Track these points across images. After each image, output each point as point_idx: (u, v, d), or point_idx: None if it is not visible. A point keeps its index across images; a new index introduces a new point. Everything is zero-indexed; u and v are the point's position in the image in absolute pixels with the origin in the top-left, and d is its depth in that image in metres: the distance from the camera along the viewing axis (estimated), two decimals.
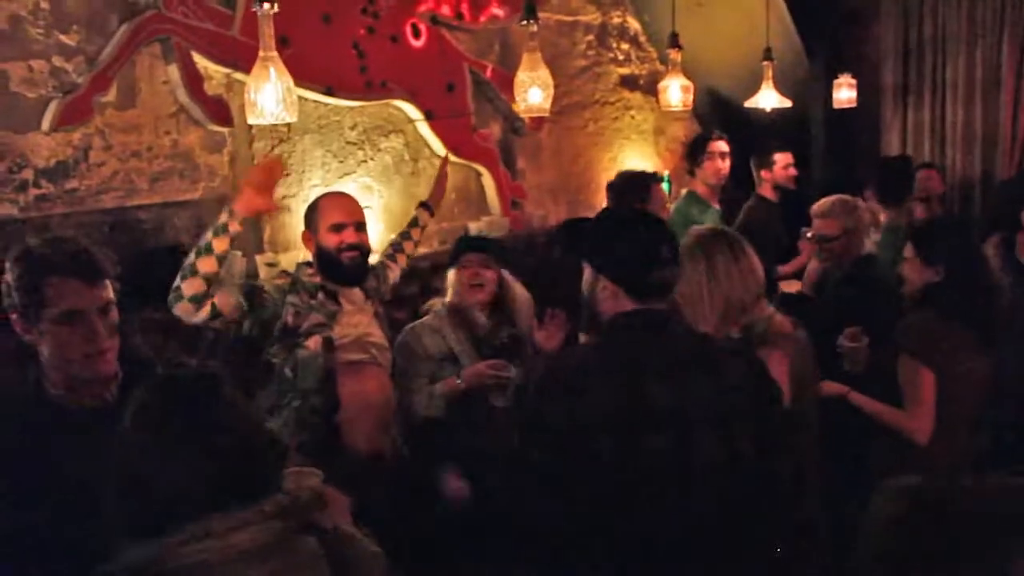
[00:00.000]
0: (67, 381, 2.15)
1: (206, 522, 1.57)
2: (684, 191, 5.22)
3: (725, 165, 5.50)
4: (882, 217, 4.97)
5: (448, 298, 3.79)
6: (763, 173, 5.73)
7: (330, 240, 3.40)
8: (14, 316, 2.14)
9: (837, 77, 6.17)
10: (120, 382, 2.20)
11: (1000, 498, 1.62)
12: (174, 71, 3.82)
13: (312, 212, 3.51)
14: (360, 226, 3.46)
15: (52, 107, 3.47)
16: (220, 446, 1.61)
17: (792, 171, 5.67)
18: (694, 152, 5.55)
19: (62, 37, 3.53)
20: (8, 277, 2.14)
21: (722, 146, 5.51)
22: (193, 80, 3.87)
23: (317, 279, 3.44)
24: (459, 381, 3.57)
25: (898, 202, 5.04)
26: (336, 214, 3.43)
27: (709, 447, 2.10)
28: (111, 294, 2.19)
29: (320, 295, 3.40)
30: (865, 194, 5.03)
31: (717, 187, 5.53)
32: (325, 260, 3.42)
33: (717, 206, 5.51)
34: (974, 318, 3.18)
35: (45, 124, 3.47)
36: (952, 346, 3.15)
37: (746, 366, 2.25)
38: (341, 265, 3.40)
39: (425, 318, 3.85)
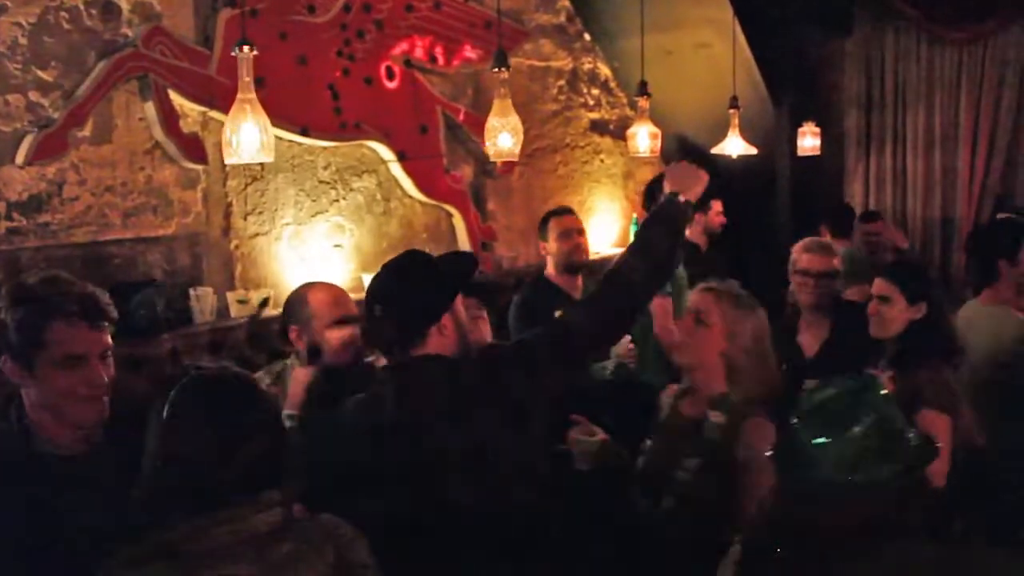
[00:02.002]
0: (56, 425, 2.06)
1: (234, 506, 1.70)
2: None
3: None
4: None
5: None
6: (697, 216, 5.81)
7: (332, 339, 2.88)
8: (5, 357, 2.04)
9: (801, 125, 6.30)
10: (106, 424, 2.10)
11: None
12: (150, 108, 3.86)
13: (302, 305, 2.93)
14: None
15: (27, 141, 3.50)
16: (254, 435, 1.75)
17: (722, 218, 5.74)
18: (654, 196, 5.56)
19: (39, 72, 3.57)
20: (4, 317, 2.04)
21: None
22: (169, 117, 3.92)
23: None
24: None
25: (847, 234, 5.96)
26: (333, 309, 2.92)
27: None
28: (110, 339, 2.11)
29: None
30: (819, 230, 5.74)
31: None
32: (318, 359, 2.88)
33: None
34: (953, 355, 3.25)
35: (20, 158, 3.50)
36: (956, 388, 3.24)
37: None
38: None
39: None
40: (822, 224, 6.00)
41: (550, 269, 4.29)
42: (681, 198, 2.62)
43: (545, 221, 4.33)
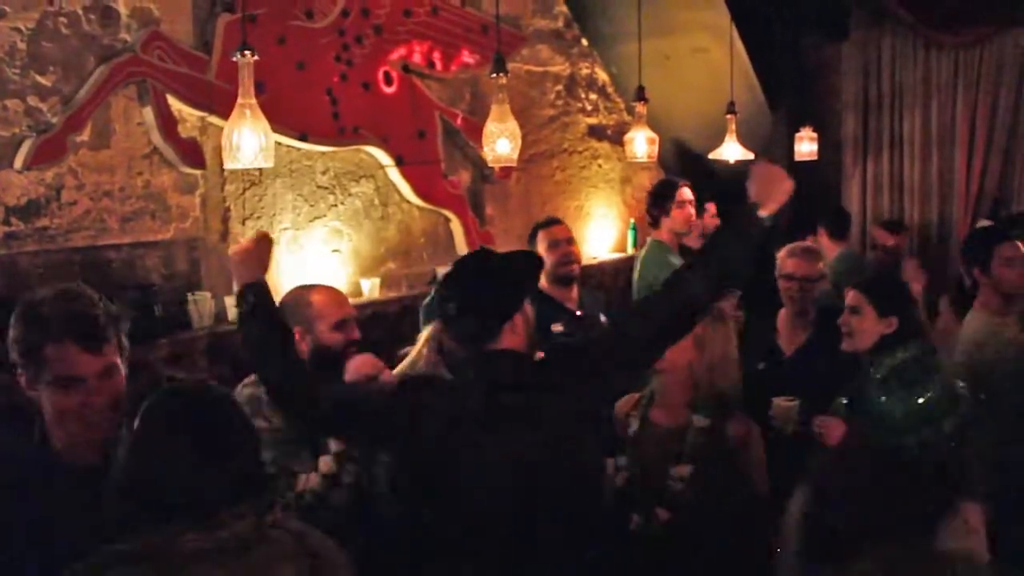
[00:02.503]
0: (68, 438, 2.05)
1: (203, 517, 1.70)
2: (650, 240, 5.25)
3: (693, 212, 5.60)
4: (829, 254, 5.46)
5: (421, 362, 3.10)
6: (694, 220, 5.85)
7: (335, 340, 2.91)
8: (18, 372, 2.04)
9: (799, 130, 6.32)
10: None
11: None
12: (149, 113, 3.87)
13: (305, 307, 2.93)
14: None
15: (26, 146, 3.51)
16: (225, 448, 1.75)
17: (718, 220, 5.80)
18: (662, 200, 5.53)
19: (38, 77, 3.57)
20: (11, 333, 2.04)
21: (688, 193, 5.61)
22: (167, 123, 3.92)
23: None
24: None
25: (845, 237, 6.07)
26: (336, 310, 2.95)
27: None
28: (115, 356, 2.07)
29: None
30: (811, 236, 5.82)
31: (681, 235, 5.59)
32: (324, 359, 2.90)
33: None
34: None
35: (18, 162, 3.50)
36: None
37: None
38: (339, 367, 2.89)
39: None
40: (820, 227, 6.03)
41: (542, 281, 4.25)
42: (763, 211, 2.47)
43: (533, 234, 4.30)
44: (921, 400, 2.88)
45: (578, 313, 4.13)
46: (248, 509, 1.73)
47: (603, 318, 4.23)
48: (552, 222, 4.36)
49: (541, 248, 4.17)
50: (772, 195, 2.52)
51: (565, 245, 4.20)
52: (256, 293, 2.52)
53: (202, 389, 1.90)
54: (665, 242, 5.29)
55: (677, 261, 5.14)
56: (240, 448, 1.79)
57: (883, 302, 3.18)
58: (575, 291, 4.22)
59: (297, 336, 2.84)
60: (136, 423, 1.78)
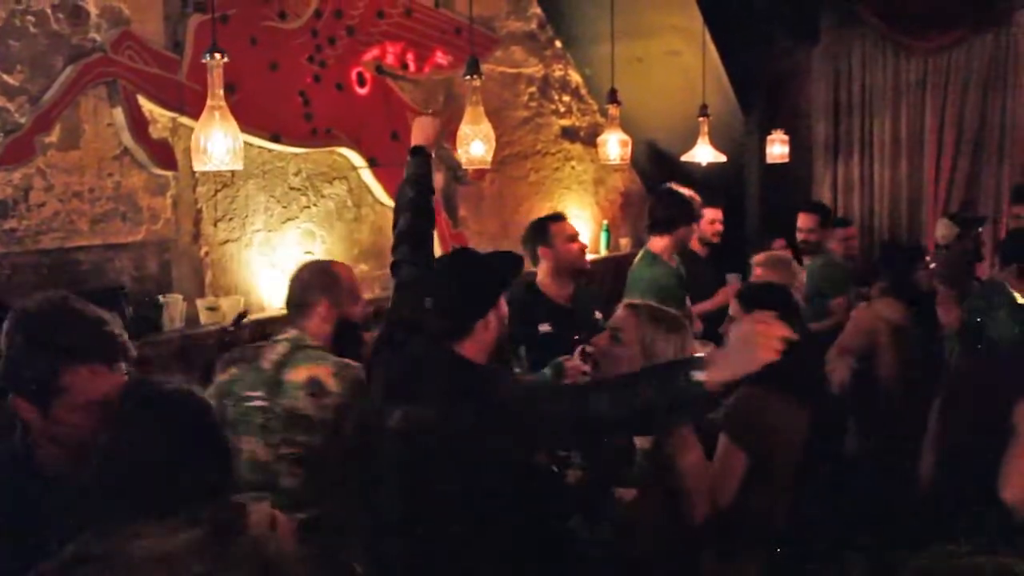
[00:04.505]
0: (66, 452, 1.93)
1: (155, 522, 1.68)
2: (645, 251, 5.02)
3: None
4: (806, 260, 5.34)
5: None
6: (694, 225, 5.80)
7: (357, 314, 3.10)
8: (14, 397, 1.89)
9: (770, 133, 6.36)
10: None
11: None
12: (119, 114, 3.83)
13: (336, 280, 3.06)
14: None
15: None
16: (198, 454, 1.75)
17: (718, 226, 5.69)
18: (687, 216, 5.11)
19: (5, 76, 3.53)
20: (11, 352, 1.90)
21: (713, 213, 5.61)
22: (138, 123, 3.89)
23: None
24: None
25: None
26: (359, 286, 3.16)
27: None
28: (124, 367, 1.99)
29: None
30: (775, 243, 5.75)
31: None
32: (347, 331, 3.05)
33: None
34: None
35: None
36: None
37: None
38: (360, 341, 3.10)
39: None
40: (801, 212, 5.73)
41: (543, 276, 4.23)
42: (709, 376, 1.98)
43: (544, 227, 4.24)
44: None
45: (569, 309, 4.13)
46: (199, 517, 1.71)
47: (598, 314, 4.22)
48: (561, 217, 4.32)
49: (557, 241, 4.15)
50: (737, 361, 2.01)
51: (579, 240, 4.24)
52: (422, 160, 3.16)
53: (179, 395, 1.85)
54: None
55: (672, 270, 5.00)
56: (207, 455, 1.78)
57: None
58: (570, 288, 4.20)
59: (323, 309, 2.95)
60: (114, 422, 1.77)
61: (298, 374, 2.79)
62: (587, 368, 3.03)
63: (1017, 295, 4.20)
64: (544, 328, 3.99)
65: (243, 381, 2.83)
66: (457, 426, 2.28)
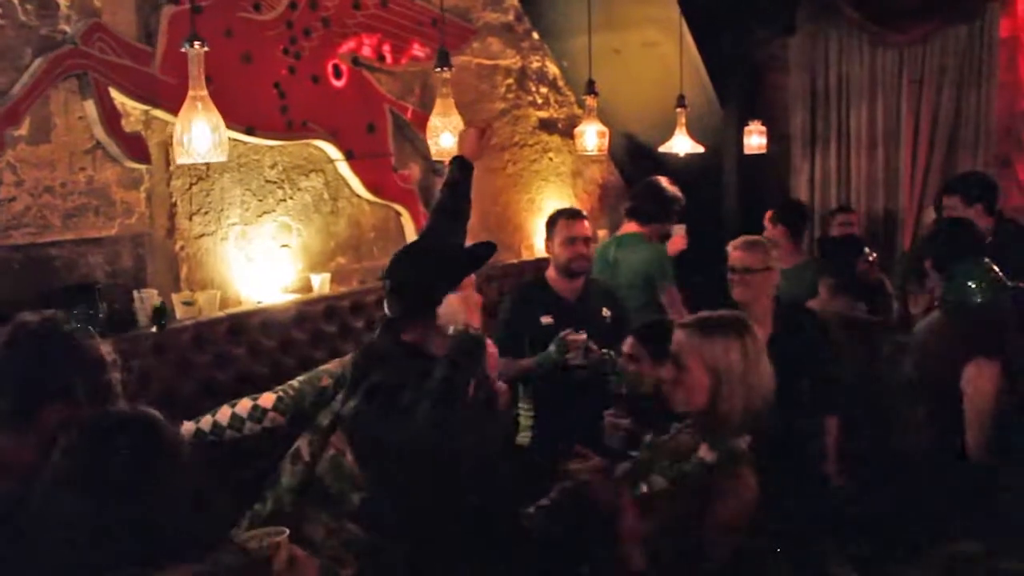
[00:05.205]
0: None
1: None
2: (633, 234, 5.07)
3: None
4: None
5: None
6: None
7: None
8: None
9: (748, 124, 6.37)
10: None
11: None
12: (91, 107, 3.77)
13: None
14: None
15: None
16: (159, 495, 1.53)
17: (680, 244, 5.41)
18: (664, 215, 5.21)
19: None
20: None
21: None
22: (111, 116, 3.83)
23: None
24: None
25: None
26: None
27: None
28: None
29: None
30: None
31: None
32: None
33: None
34: None
35: None
36: None
37: None
38: None
39: None
40: (779, 223, 5.75)
41: (550, 271, 4.27)
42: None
43: (554, 221, 4.26)
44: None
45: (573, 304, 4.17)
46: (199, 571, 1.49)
47: (606, 311, 4.22)
48: (574, 215, 4.27)
49: (557, 240, 4.18)
50: None
51: (581, 245, 4.17)
52: (461, 167, 3.19)
53: (131, 422, 1.63)
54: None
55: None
56: (177, 494, 1.56)
57: (657, 349, 3.12)
58: (580, 282, 4.22)
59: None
60: (53, 464, 1.58)
61: None
62: (583, 337, 3.62)
63: None
64: (546, 320, 4.06)
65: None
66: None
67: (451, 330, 2.50)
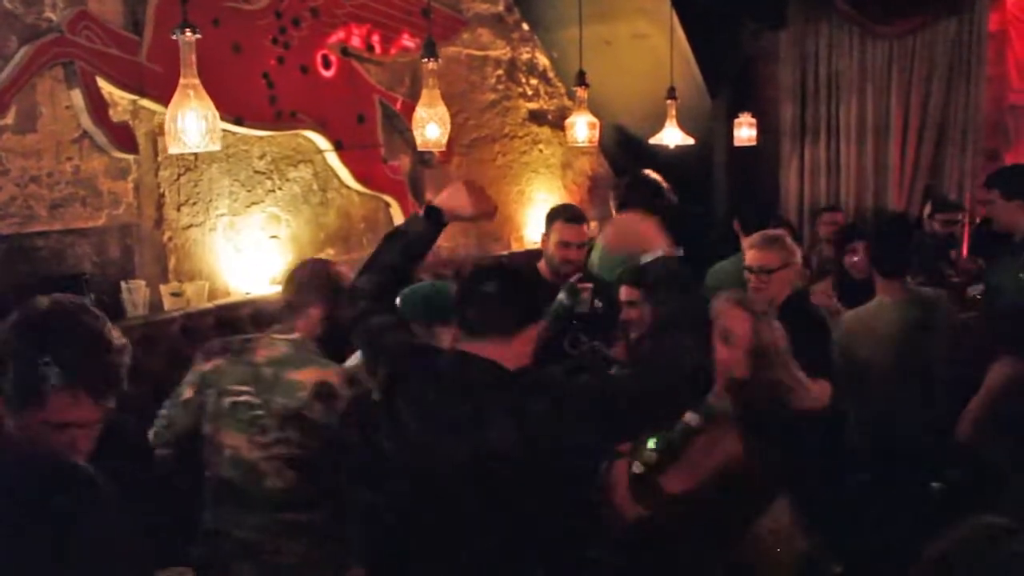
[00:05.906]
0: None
1: None
2: None
3: None
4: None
5: None
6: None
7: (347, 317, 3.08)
8: None
9: (738, 116, 6.36)
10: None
11: None
12: (78, 96, 3.75)
13: (336, 285, 2.95)
14: None
15: None
16: (76, 547, 1.52)
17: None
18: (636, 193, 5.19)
19: None
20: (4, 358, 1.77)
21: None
22: (98, 106, 3.81)
23: None
24: None
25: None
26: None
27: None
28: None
29: None
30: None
31: None
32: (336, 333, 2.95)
33: None
34: None
35: None
36: None
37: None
38: (346, 345, 3.01)
39: None
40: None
41: (542, 263, 4.18)
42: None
43: (553, 219, 4.13)
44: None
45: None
46: None
47: (598, 303, 4.18)
48: (573, 219, 4.11)
49: (552, 238, 4.05)
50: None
51: (574, 250, 4.05)
52: (436, 217, 2.78)
53: (57, 469, 1.63)
54: None
55: None
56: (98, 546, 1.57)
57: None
58: (569, 278, 4.17)
59: (317, 312, 2.84)
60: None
61: (303, 375, 2.70)
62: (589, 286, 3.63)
63: None
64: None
65: (229, 374, 2.75)
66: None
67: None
